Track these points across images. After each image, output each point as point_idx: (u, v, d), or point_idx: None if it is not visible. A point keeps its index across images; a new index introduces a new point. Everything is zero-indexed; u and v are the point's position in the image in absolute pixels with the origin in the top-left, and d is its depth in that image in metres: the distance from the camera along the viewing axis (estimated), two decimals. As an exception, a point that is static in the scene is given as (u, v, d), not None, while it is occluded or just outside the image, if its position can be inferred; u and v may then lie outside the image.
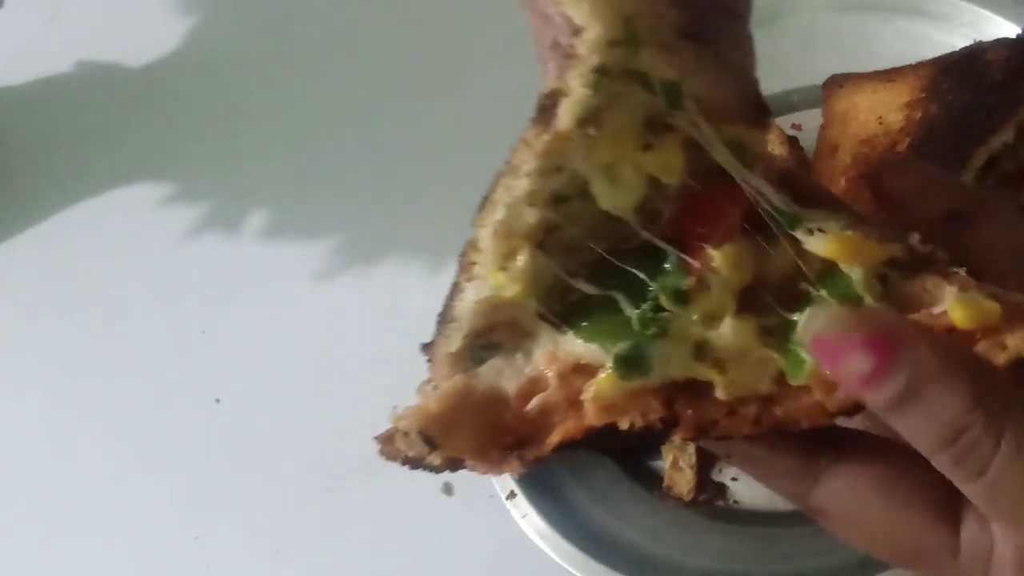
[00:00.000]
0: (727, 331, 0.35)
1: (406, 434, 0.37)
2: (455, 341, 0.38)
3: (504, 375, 0.37)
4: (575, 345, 0.36)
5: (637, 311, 0.36)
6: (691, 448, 0.66)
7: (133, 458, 0.84)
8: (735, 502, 0.65)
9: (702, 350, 0.36)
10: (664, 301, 0.36)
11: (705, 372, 0.36)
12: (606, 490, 0.67)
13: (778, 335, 0.36)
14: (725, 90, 0.36)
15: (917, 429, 0.34)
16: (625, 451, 0.67)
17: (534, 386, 0.37)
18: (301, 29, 0.99)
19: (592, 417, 0.36)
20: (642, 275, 0.36)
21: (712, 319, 0.36)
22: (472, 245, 0.36)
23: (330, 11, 0.98)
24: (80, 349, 0.91)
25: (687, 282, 0.36)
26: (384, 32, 0.95)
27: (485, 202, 0.36)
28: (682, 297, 0.36)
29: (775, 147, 0.69)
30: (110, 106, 1.03)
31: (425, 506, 0.74)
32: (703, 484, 0.66)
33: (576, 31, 0.34)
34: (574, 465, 0.68)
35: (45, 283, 0.96)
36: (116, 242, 0.95)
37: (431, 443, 0.37)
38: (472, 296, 0.37)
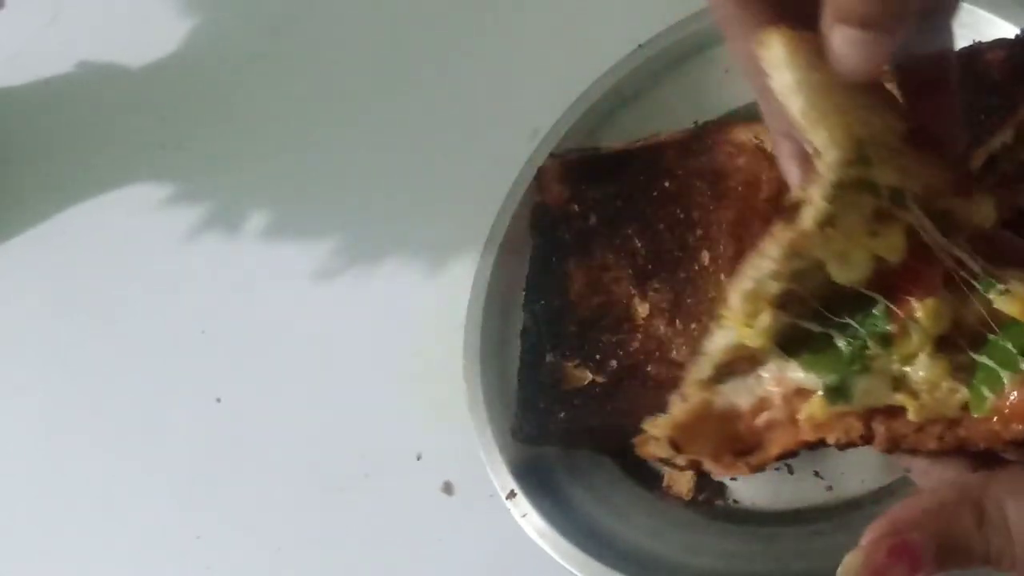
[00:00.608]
0: (922, 368, 0.42)
1: (657, 439, 0.45)
2: (705, 370, 0.45)
3: (739, 394, 0.45)
4: (797, 373, 0.43)
5: (848, 347, 0.42)
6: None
7: (133, 458, 0.84)
8: (734, 501, 0.65)
9: (898, 381, 0.42)
10: (870, 343, 0.42)
11: (900, 399, 0.42)
12: (606, 489, 0.67)
13: (966, 371, 0.41)
14: (940, 175, 0.42)
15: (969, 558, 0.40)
16: (624, 450, 0.67)
17: (762, 404, 0.44)
18: (301, 29, 0.99)
19: (806, 433, 0.43)
20: (853, 322, 0.43)
21: (910, 357, 0.42)
22: (724, 303, 0.44)
23: (330, 11, 0.98)
24: (80, 349, 0.91)
25: (892, 328, 0.42)
26: (385, 32, 0.95)
27: (738, 274, 0.43)
28: (886, 340, 0.42)
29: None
30: (110, 106, 1.03)
31: (425, 506, 0.74)
32: (702, 483, 0.66)
33: (816, 151, 0.40)
34: (574, 465, 0.68)
35: (45, 283, 0.96)
36: (116, 242, 0.95)
37: (676, 447, 0.45)
38: (722, 341, 0.44)
